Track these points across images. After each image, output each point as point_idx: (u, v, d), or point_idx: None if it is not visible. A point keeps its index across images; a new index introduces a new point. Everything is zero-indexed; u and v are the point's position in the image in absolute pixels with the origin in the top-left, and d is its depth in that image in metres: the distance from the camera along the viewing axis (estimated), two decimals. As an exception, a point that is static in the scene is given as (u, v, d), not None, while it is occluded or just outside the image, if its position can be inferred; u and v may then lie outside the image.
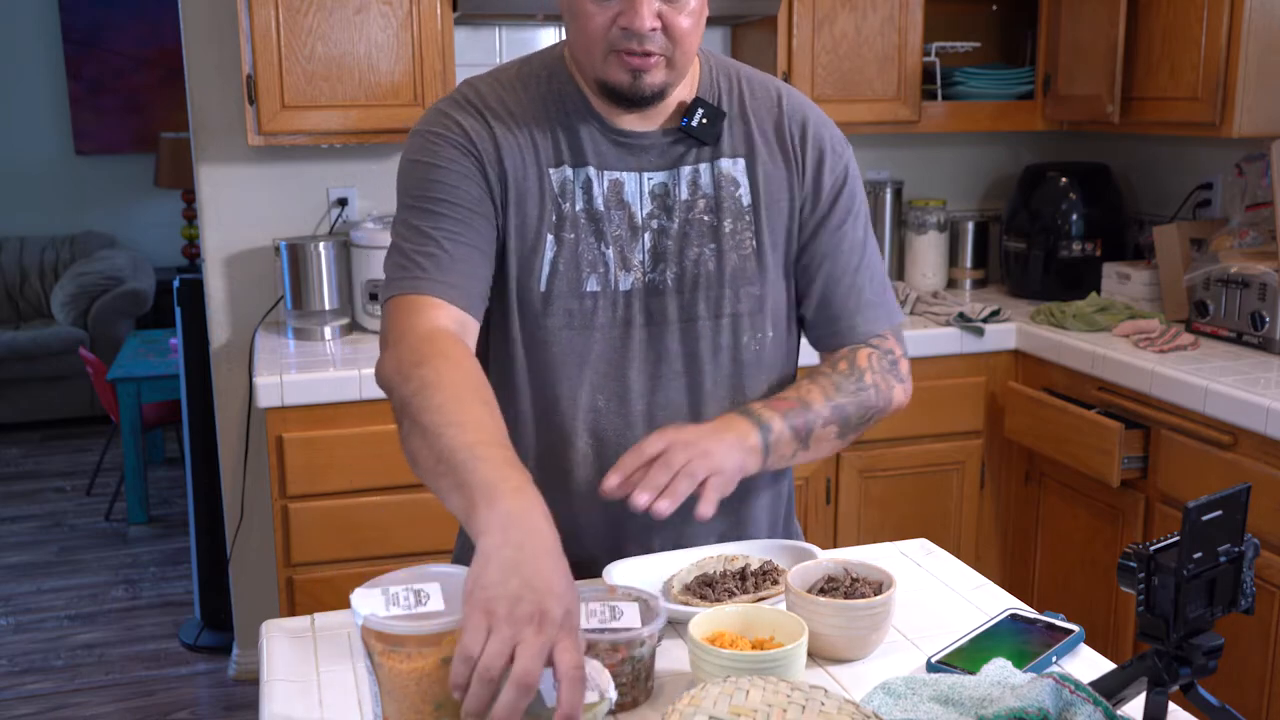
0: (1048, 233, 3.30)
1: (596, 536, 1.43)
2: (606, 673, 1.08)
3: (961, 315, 3.06)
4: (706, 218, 1.40)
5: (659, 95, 1.34)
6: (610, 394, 1.40)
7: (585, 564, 1.41)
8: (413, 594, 1.04)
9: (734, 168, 1.41)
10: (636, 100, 1.33)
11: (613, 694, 1.05)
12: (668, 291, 1.40)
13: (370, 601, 1.03)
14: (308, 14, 2.72)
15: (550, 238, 1.37)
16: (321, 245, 2.93)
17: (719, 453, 1.27)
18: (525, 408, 1.42)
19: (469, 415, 1.14)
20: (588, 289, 1.37)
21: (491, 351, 1.43)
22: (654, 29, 1.28)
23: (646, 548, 1.44)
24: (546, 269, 1.37)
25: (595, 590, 1.22)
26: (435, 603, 1.04)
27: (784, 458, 1.36)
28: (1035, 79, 3.31)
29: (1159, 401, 2.63)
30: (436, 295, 1.29)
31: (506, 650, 0.92)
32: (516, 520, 1.02)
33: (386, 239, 2.99)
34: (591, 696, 1.03)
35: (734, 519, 1.49)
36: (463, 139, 1.35)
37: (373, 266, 2.89)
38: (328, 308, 2.95)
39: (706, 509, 1.23)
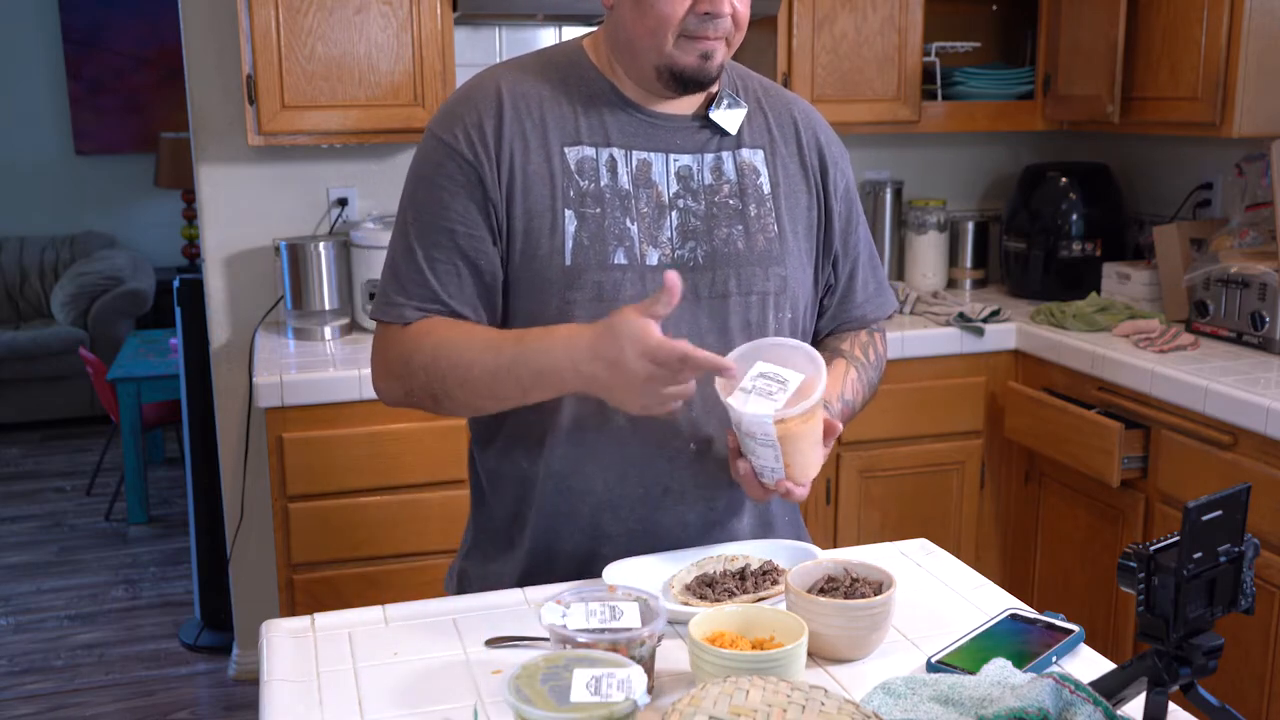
0: (1048, 233, 3.29)
1: (633, 510, 1.45)
2: (644, 677, 1.05)
3: (961, 315, 3.06)
4: (732, 201, 1.45)
5: (716, 78, 1.41)
6: None
7: (621, 536, 1.45)
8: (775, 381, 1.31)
9: (754, 157, 1.48)
10: (702, 81, 1.39)
11: (640, 699, 1.03)
12: (699, 269, 1.43)
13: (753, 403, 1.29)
14: (308, 14, 2.72)
15: (569, 212, 1.39)
16: (321, 245, 2.93)
17: None
18: None
19: (481, 340, 1.36)
20: (615, 262, 1.40)
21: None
22: (730, 13, 1.36)
23: (681, 520, 1.46)
24: (570, 243, 1.39)
25: (595, 590, 1.22)
26: (792, 385, 1.30)
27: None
28: (1035, 79, 3.31)
29: (1159, 401, 2.63)
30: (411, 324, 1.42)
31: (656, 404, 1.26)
32: (582, 359, 1.28)
33: (386, 239, 3.00)
34: (617, 697, 1.02)
35: (759, 517, 1.55)
36: (465, 145, 1.39)
37: (373, 266, 2.89)
38: (328, 308, 2.95)
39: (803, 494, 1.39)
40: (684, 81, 1.39)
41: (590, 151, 1.41)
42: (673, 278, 1.22)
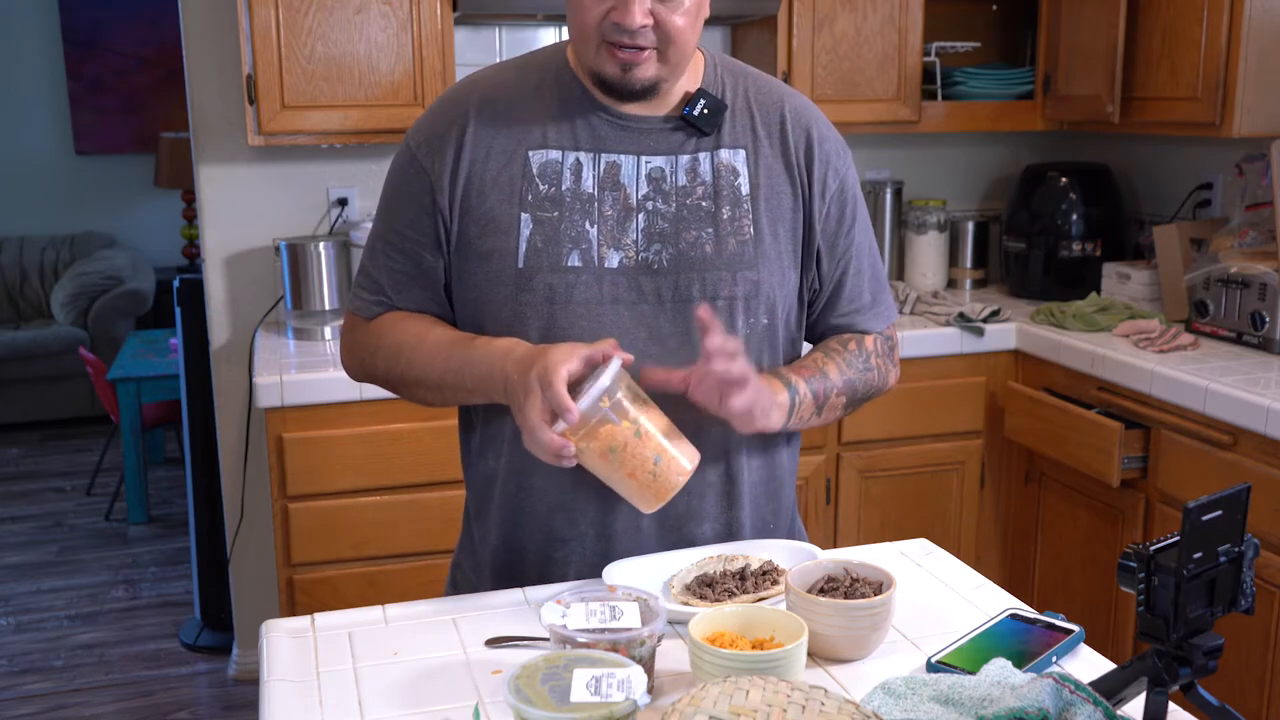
0: (1048, 233, 3.30)
1: (588, 513, 1.44)
2: (644, 677, 1.05)
3: (961, 315, 3.06)
4: (704, 204, 1.42)
5: (651, 89, 1.38)
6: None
7: (575, 540, 1.44)
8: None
9: (734, 158, 1.44)
10: (627, 93, 1.37)
11: (640, 699, 1.02)
12: (662, 271, 1.41)
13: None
14: (308, 14, 2.72)
15: (525, 216, 1.39)
16: (321, 245, 2.93)
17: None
18: None
19: (434, 341, 1.41)
20: (568, 264, 1.39)
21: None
22: (644, 25, 1.32)
23: (635, 525, 1.45)
24: (524, 245, 1.39)
25: (595, 590, 1.22)
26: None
27: (802, 420, 1.44)
28: (1035, 79, 3.31)
29: (1159, 401, 2.63)
30: (372, 319, 1.50)
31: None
32: (512, 368, 1.30)
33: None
34: (617, 697, 1.02)
35: (724, 525, 1.50)
36: (424, 154, 1.43)
37: (373, 266, 2.89)
38: (328, 308, 2.95)
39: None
40: (612, 90, 1.38)
41: (555, 155, 1.41)
42: (613, 347, 1.27)
